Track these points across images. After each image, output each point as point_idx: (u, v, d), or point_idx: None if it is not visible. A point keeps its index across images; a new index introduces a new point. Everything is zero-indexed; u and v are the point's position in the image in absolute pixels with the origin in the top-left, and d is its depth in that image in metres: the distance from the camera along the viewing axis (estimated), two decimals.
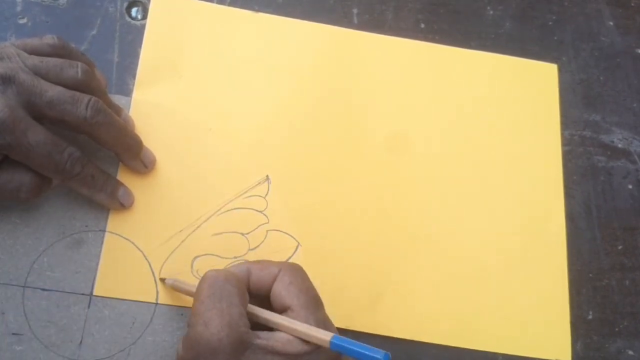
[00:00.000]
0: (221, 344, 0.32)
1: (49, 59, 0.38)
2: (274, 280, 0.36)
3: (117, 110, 0.42)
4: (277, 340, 0.33)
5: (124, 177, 0.42)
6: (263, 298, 0.36)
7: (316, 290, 0.36)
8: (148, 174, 0.43)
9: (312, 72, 0.47)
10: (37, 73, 0.37)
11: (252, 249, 0.42)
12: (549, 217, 0.46)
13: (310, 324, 0.34)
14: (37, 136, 0.36)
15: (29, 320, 0.39)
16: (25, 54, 0.38)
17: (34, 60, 0.38)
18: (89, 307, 0.40)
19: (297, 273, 0.36)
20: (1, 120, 0.35)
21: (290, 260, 0.42)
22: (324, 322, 0.35)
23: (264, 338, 0.33)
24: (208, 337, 0.32)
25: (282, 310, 0.35)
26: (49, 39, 0.39)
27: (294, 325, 0.34)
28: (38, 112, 0.36)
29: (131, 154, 0.41)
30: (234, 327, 0.32)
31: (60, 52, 0.39)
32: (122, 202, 0.41)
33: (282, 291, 0.35)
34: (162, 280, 0.40)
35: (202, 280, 0.35)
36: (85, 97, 0.37)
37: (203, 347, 0.32)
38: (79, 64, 0.39)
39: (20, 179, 0.37)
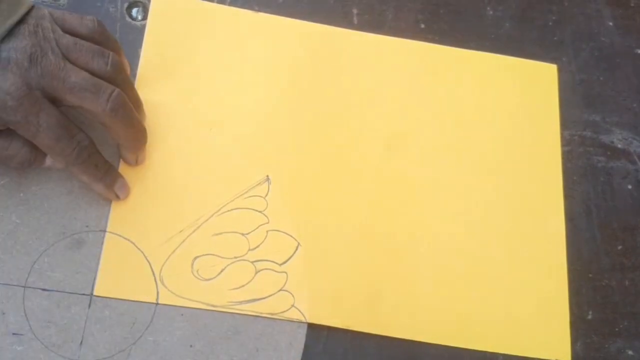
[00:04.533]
0: None
1: (83, 43, 0.38)
2: None
3: (139, 104, 0.42)
4: None
5: (125, 173, 0.42)
6: None
7: None
8: (148, 174, 0.43)
9: (312, 72, 0.47)
10: (67, 55, 0.37)
11: (252, 249, 0.42)
12: (549, 217, 0.46)
13: None
14: (49, 119, 0.36)
15: (29, 321, 0.39)
16: (61, 32, 0.38)
17: (68, 41, 0.37)
18: (89, 307, 0.40)
19: None
20: (15, 98, 0.35)
21: (290, 261, 0.42)
22: None
23: None
24: None
25: None
26: (89, 22, 0.39)
27: None
28: (58, 94, 0.37)
29: (134, 149, 0.41)
30: None
31: (97, 37, 0.39)
32: (117, 194, 0.41)
33: None
34: None
35: None
36: (109, 89, 0.37)
37: None
38: (111, 54, 0.39)
39: (15, 150, 0.38)
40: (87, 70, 0.37)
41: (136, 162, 0.42)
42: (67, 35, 0.38)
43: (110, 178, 0.40)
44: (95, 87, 0.37)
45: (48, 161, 0.40)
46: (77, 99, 0.37)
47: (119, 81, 0.39)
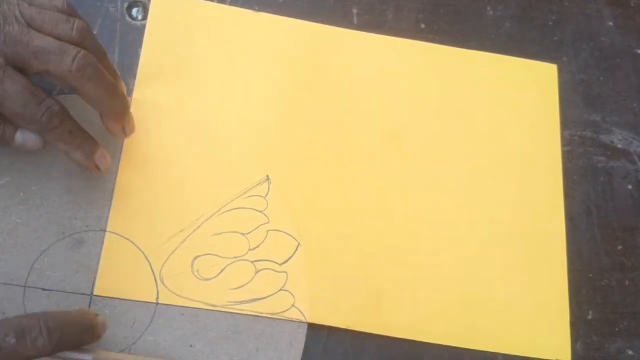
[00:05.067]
0: None
1: (46, 11, 0.37)
2: None
3: (114, 74, 0.41)
4: None
5: (125, 173, 0.42)
6: None
7: None
8: (148, 174, 0.43)
9: (312, 72, 0.47)
10: (31, 24, 0.37)
11: (252, 249, 0.42)
12: (549, 217, 0.46)
13: None
14: (15, 85, 0.36)
15: None
16: (26, 5, 0.37)
17: (32, 11, 0.37)
18: (89, 307, 0.40)
19: None
20: None
21: (290, 261, 0.42)
22: None
23: None
24: None
25: None
26: (58, 2, 0.39)
27: None
28: (24, 61, 0.36)
29: (116, 116, 0.40)
30: None
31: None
32: (97, 165, 0.40)
33: None
34: None
35: None
36: (74, 50, 0.37)
37: None
38: (76, 20, 0.38)
39: None
40: (52, 37, 0.37)
41: (125, 133, 0.42)
42: (33, 7, 0.37)
43: (88, 147, 0.39)
44: (59, 49, 0.36)
45: (18, 137, 0.39)
46: (41, 62, 0.36)
47: (86, 46, 0.38)
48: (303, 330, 0.41)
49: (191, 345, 0.40)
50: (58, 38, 0.37)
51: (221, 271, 0.41)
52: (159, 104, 0.45)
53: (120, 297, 0.40)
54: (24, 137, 0.39)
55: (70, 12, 0.39)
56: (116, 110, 0.40)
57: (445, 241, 0.44)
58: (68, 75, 0.37)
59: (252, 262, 0.42)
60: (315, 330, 0.41)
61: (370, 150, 0.46)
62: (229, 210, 0.43)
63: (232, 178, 0.44)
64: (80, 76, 0.37)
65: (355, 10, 0.50)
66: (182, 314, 0.40)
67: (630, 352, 0.44)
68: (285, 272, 0.42)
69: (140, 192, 0.42)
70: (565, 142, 0.48)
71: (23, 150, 0.40)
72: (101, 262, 0.40)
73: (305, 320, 0.41)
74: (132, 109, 0.44)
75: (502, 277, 0.44)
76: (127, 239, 0.41)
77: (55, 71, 0.37)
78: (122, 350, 0.39)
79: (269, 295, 0.41)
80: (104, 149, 0.40)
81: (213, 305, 0.40)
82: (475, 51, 0.50)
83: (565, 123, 0.49)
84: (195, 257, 0.41)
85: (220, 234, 0.42)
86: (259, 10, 0.48)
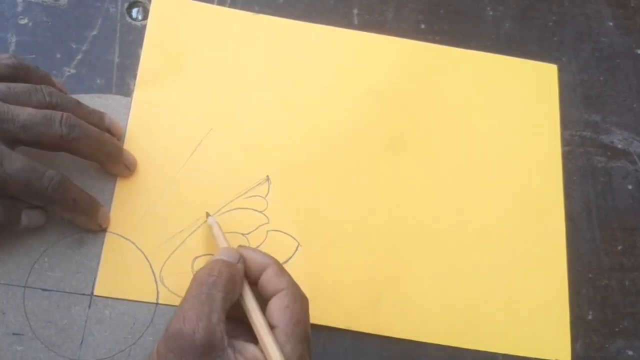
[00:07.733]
0: (193, 343, 0.32)
1: (15, 85, 0.37)
2: (273, 286, 0.36)
3: (99, 116, 0.41)
4: (245, 356, 0.33)
5: (125, 175, 0.42)
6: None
7: (309, 326, 0.36)
8: (148, 174, 0.43)
9: (312, 73, 0.47)
10: (5, 100, 0.36)
11: None
12: (549, 217, 0.46)
13: (287, 353, 0.34)
14: (14, 164, 0.35)
15: (29, 321, 0.39)
16: None
17: (1, 87, 0.37)
18: (89, 307, 0.40)
19: (299, 302, 0.36)
20: None
21: (290, 261, 0.42)
22: (300, 356, 0.34)
23: (236, 349, 0.34)
24: (183, 334, 0.33)
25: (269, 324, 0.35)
26: (6, 59, 0.38)
27: (266, 341, 0.34)
28: (12, 137, 0.36)
29: (112, 160, 0.41)
30: (209, 331, 0.33)
31: (20, 71, 0.39)
32: (100, 224, 0.40)
33: (276, 311, 0.35)
34: (207, 215, 0.41)
35: (194, 278, 0.35)
36: (58, 114, 0.37)
37: (177, 342, 0.33)
38: (43, 87, 0.38)
39: None
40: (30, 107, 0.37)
41: (129, 170, 0.42)
42: (0, 83, 0.37)
43: (93, 209, 0.40)
44: (45, 118, 0.36)
45: (24, 220, 0.38)
46: (32, 135, 0.36)
47: (59, 104, 0.38)
48: None
49: None
50: (35, 107, 0.37)
51: None
52: (159, 104, 0.45)
53: (121, 297, 0.40)
54: (29, 218, 0.39)
55: (21, 65, 0.39)
56: (112, 155, 0.40)
57: (445, 241, 0.44)
58: (60, 141, 0.37)
59: None
60: (315, 330, 0.41)
61: (371, 151, 0.46)
62: (229, 211, 0.43)
63: (232, 178, 0.44)
64: (72, 139, 0.37)
65: (355, 11, 0.50)
66: None
67: (630, 352, 0.44)
68: None
69: (141, 193, 0.42)
70: (565, 142, 0.48)
71: (29, 230, 0.39)
72: (101, 262, 0.40)
73: None
74: (132, 109, 0.44)
75: (502, 277, 0.44)
76: (127, 239, 0.41)
77: (46, 141, 0.37)
78: (122, 351, 0.39)
79: None
80: (105, 207, 0.41)
81: None
82: (475, 51, 0.50)
83: (565, 123, 0.49)
84: (195, 257, 0.41)
85: None
86: (259, 10, 0.48)
